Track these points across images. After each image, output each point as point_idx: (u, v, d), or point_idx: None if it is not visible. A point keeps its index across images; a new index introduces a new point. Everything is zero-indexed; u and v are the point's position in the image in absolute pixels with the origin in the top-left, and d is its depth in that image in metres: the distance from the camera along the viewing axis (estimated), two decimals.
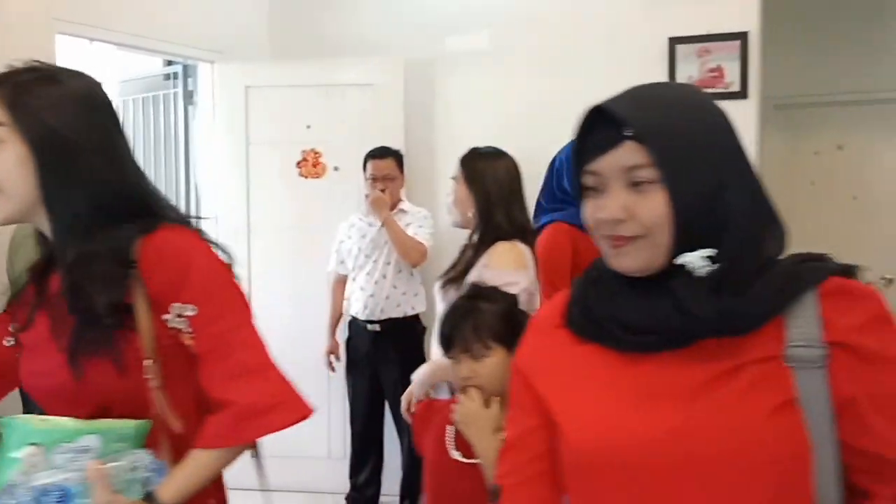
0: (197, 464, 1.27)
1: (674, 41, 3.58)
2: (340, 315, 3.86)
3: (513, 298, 1.80)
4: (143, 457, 1.24)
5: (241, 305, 1.34)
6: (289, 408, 1.29)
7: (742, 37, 3.47)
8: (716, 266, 0.93)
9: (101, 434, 1.20)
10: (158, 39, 3.91)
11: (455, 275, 2.44)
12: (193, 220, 1.40)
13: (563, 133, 1.26)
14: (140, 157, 4.30)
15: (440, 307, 2.43)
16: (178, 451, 1.29)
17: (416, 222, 3.65)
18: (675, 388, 0.95)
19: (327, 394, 3.97)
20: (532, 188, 2.71)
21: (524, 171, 2.61)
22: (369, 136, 3.84)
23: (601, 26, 3.75)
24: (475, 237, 2.48)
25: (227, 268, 1.36)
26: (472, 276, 2.34)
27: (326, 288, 3.90)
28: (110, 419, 1.25)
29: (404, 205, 3.72)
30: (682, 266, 0.94)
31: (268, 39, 4.42)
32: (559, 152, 2.74)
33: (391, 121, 4.00)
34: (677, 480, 0.92)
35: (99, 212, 1.28)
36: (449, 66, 4.07)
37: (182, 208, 4.17)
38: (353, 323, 3.76)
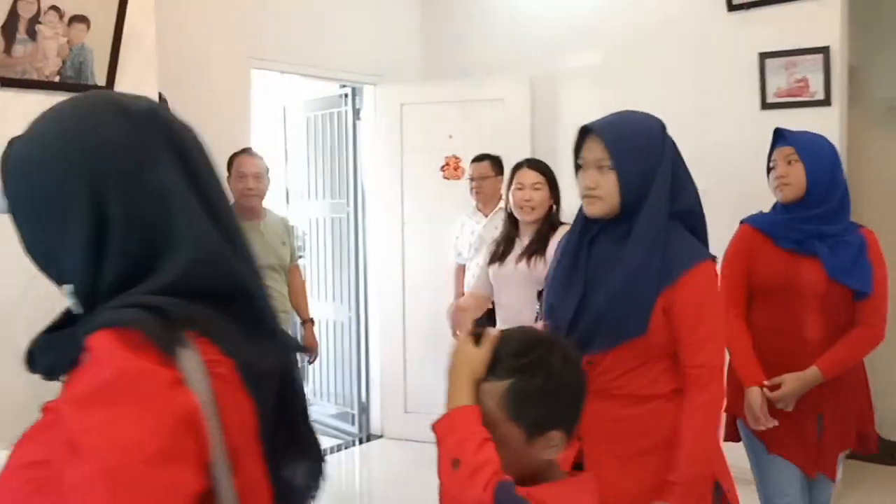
0: None
1: (763, 56, 3.97)
2: (462, 295, 4.56)
3: None
4: None
5: None
6: None
7: (825, 51, 3.80)
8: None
9: None
10: (333, 69, 4.87)
11: (537, 248, 3.11)
12: None
13: None
14: (319, 162, 5.37)
15: (517, 278, 3.12)
16: None
17: None
18: None
19: None
20: None
21: None
22: (501, 143, 4.54)
23: (696, 44, 4.20)
24: (541, 225, 3.16)
25: None
26: (550, 250, 2.99)
27: (450, 274, 4.64)
28: None
29: (503, 203, 4.34)
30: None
31: (419, 65, 5.27)
32: None
33: (519, 129, 4.70)
34: None
35: None
36: (568, 81, 4.68)
37: (352, 204, 5.22)
38: None
